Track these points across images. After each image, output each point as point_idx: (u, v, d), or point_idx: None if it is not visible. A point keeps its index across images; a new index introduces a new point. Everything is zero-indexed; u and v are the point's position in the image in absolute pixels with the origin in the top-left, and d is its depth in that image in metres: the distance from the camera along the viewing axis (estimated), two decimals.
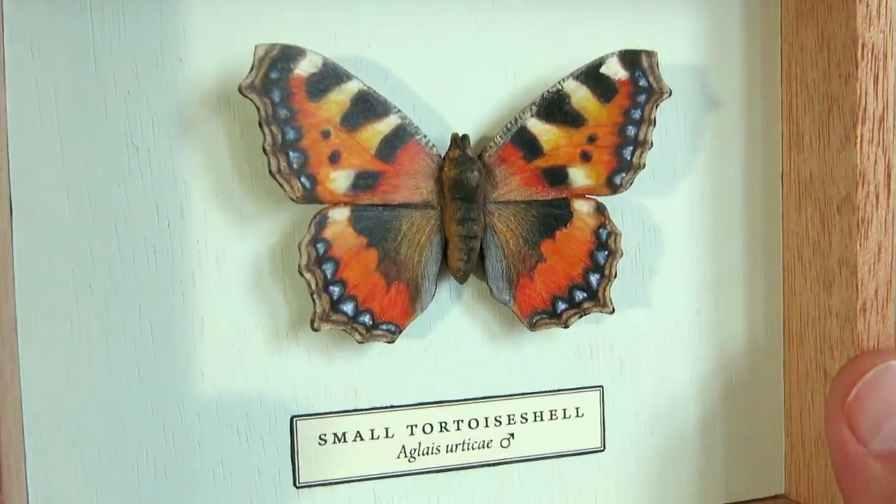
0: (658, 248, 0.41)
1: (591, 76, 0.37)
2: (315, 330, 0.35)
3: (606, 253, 0.38)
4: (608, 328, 0.41)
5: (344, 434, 0.38)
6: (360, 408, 0.38)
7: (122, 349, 0.35)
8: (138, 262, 0.35)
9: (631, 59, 0.37)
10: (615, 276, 0.38)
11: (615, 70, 0.37)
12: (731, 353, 0.43)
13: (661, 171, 0.41)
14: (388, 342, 0.36)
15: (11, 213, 0.33)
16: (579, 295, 0.38)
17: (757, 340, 0.43)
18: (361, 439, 0.38)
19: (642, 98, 0.37)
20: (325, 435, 0.37)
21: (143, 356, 0.35)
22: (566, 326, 0.38)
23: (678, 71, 0.40)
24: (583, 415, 0.41)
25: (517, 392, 0.40)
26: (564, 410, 0.40)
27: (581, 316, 0.38)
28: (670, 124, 0.41)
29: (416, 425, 0.38)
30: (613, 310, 0.38)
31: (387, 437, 0.38)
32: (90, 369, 0.35)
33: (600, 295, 0.38)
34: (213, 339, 0.36)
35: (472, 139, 0.37)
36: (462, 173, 0.36)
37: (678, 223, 0.41)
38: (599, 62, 0.37)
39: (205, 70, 0.35)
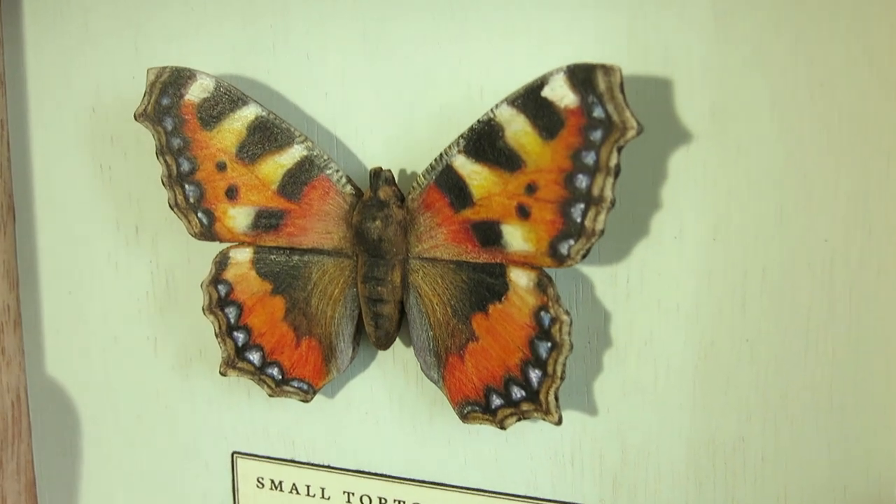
0: (681, 335, 0.28)
1: (531, 101, 0.26)
2: (222, 374, 0.32)
3: (549, 345, 0.27)
4: (599, 431, 0.30)
5: (280, 483, 0.34)
6: (297, 459, 0.34)
7: (93, 356, 0.37)
8: (104, 276, 0.36)
9: (583, 77, 0.25)
10: (562, 377, 0.28)
11: (561, 93, 0.25)
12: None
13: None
14: (302, 401, 0.32)
15: (14, 220, 0.37)
16: (517, 392, 0.28)
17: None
18: (298, 493, 0.34)
19: (597, 135, 0.25)
20: (262, 479, 0.35)
21: (111, 368, 0.36)
22: (503, 427, 0.29)
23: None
24: None
25: (467, 485, 0.32)
26: None
27: (520, 419, 0.29)
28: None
29: (353, 493, 0.33)
30: (560, 420, 0.28)
31: (323, 497, 0.34)
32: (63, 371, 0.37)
33: (542, 398, 0.28)
34: (165, 360, 0.36)
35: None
36: (363, 222, 0.29)
37: (716, 297, 0.28)
38: (541, 82, 0.26)
39: None
